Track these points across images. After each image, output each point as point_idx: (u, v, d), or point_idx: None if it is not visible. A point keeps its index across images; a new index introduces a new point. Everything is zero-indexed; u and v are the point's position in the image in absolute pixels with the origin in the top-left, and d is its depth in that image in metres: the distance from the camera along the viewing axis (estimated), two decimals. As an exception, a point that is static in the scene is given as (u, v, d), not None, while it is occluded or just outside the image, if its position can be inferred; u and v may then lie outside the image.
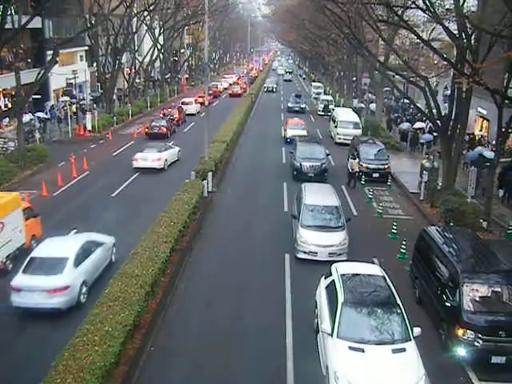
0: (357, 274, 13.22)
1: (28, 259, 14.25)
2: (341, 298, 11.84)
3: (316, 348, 12.40)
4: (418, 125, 36.96)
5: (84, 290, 14.38)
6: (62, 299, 13.54)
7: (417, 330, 11.40)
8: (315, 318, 13.21)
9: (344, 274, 12.97)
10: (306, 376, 11.63)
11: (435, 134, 33.61)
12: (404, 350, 10.89)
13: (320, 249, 17.17)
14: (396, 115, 45.24)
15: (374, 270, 13.67)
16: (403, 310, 11.64)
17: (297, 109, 51.56)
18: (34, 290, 13.38)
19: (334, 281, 12.82)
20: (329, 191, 20.16)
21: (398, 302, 11.89)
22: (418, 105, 30.78)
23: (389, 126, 42.19)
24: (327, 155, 27.71)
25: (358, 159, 27.05)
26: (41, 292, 13.38)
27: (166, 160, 28.41)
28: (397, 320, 11.50)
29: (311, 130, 42.10)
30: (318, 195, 19.39)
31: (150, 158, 27.77)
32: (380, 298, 12.22)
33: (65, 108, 39.90)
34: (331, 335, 11.23)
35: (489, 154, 25.22)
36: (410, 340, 11.15)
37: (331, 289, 12.69)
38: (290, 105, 52.78)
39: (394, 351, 10.84)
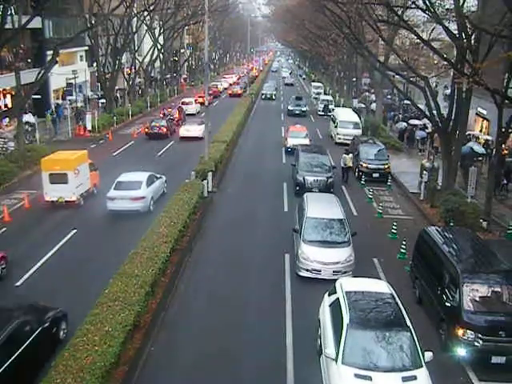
0: (363, 292, 12.24)
1: (116, 182, 21.46)
2: (346, 319, 10.94)
3: (319, 367, 11.60)
4: (414, 122, 38.15)
5: (152, 202, 21.72)
6: (141, 204, 21.06)
7: (428, 355, 10.56)
8: (318, 338, 12.30)
9: (349, 292, 12.03)
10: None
11: (428, 130, 35.69)
12: (415, 377, 10.06)
13: (323, 266, 15.86)
14: (392, 113, 45.56)
15: (381, 286, 12.74)
16: (414, 333, 10.76)
17: (297, 112, 49.62)
18: (123, 198, 20.68)
19: (338, 299, 11.92)
20: (333, 202, 18.75)
21: (408, 323, 10.99)
22: (422, 106, 30.81)
23: (384, 123, 42.73)
24: (333, 168, 25.40)
25: (351, 154, 27.97)
26: (127, 200, 20.72)
27: (203, 131, 34.98)
28: (407, 344, 10.57)
29: (311, 130, 42.11)
30: (321, 207, 18.05)
31: (193, 129, 37.31)
32: (389, 320, 11.30)
33: (74, 106, 41.11)
34: (335, 360, 10.39)
35: (479, 148, 26.59)
36: (422, 366, 10.31)
37: (335, 308, 11.78)
38: (290, 107, 50.66)
39: (404, 379, 9.99)
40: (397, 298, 11.94)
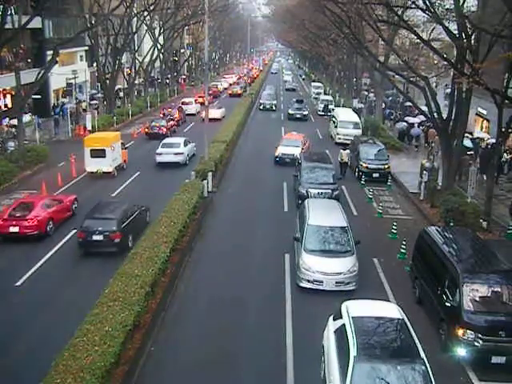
0: (371, 318, 11.19)
1: (161, 143, 29.81)
2: (353, 351, 9.94)
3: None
4: (412, 120, 39.24)
5: (187, 158, 29.41)
6: (181, 158, 29.07)
7: None
8: (322, 366, 11.46)
9: (356, 318, 10.97)
10: None
11: (422, 127, 37.01)
12: None
13: (326, 277, 15.10)
14: (389, 111, 45.66)
15: (391, 311, 11.57)
16: (427, 365, 9.85)
17: (298, 116, 47.01)
18: (168, 153, 28.86)
19: (344, 326, 10.90)
20: (336, 209, 18.02)
21: (422, 354, 10.07)
22: (424, 107, 30.94)
23: (381, 121, 42.92)
24: (339, 178, 24.62)
25: (347, 150, 28.70)
26: (171, 154, 28.85)
27: (223, 114, 46.02)
28: (420, 379, 9.59)
29: (311, 130, 42.17)
30: (323, 214, 17.39)
31: (214, 112, 43.11)
32: (400, 351, 10.36)
33: (79, 105, 42.04)
34: None
35: (468, 143, 27.91)
36: None
37: (341, 335, 10.79)
38: (290, 111, 47.84)
39: None
40: (409, 325, 10.97)
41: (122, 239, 17.15)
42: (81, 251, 17.44)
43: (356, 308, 11.51)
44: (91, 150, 26.16)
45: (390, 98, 53.72)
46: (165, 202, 19.59)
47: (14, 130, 33.16)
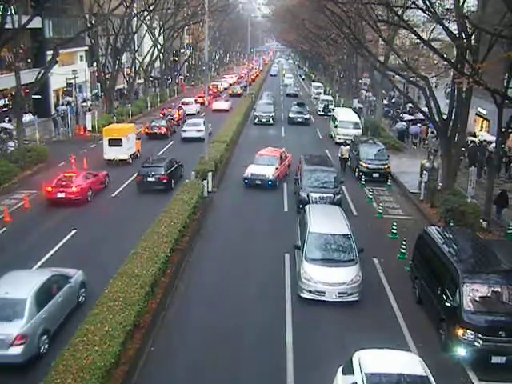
0: (390, 375, 9.37)
1: (186, 123, 37.65)
2: None
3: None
4: (407, 117, 41.21)
5: (207, 133, 28.32)
6: (201, 134, 33.03)
7: None
8: None
9: (371, 375, 9.23)
10: None
11: (419, 125, 38.21)
12: None
13: (328, 288, 14.50)
14: (386, 109, 45.82)
15: (413, 366, 9.75)
16: None
17: (299, 120, 44.49)
18: (191, 130, 36.03)
19: None
20: (338, 215, 17.32)
21: None
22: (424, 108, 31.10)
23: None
24: (341, 182, 23.56)
25: (348, 146, 30.05)
26: (194, 131, 35.82)
27: (230, 106, 52.14)
28: None
29: (311, 130, 42.20)
30: (325, 221, 16.73)
31: (222, 104, 51.74)
32: None
33: (85, 104, 43.49)
34: None
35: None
36: None
37: None
38: (290, 115, 45.23)
39: None
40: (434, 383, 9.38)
41: (168, 180, 24.20)
42: (139, 189, 24.41)
43: (370, 362, 9.70)
44: (109, 140, 28.92)
45: (394, 100, 53.64)
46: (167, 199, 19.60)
47: (2, 134, 33.17)
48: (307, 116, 45.59)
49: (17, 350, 11.05)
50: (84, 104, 45.89)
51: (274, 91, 67.17)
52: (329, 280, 14.56)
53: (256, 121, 44.69)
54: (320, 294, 14.57)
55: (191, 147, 33.59)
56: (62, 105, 43.08)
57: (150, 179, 24.06)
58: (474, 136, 33.91)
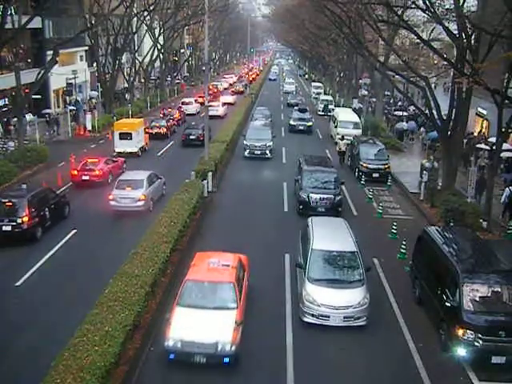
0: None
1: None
2: None
3: None
4: (398, 113, 42.85)
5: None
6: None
7: None
8: None
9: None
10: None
11: (416, 122, 39.61)
12: None
13: (333, 311, 13.40)
14: (383, 107, 46.23)
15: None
16: None
17: (301, 127, 41.09)
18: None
19: None
20: (343, 229, 16.04)
21: None
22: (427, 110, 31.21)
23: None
24: (342, 183, 23.20)
25: (345, 140, 31.02)
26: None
27: (235, 100, 58.25)
28: None
29: (311, 130, 42.13)
30: (329, 236, 15.53)
31: (228, 98, 56.72)
32: None
33: (92, 101, 44.65)
34: None
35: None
36: None
37: None
38: (292, 122, 41.62)
39: None
40: None
41: (203, 139, 29.98)
42: (183, 144, 34.25)
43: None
44: (120, 134, 30.77)
45: (400, 103, 53.45)
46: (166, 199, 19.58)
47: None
48: (310, 123, 41.77)
49: (141, 203, 21.13)
50: (93, 100, 46.97)
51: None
52: (334, 303, 13.45)
53: (247, 153, 31.90)
54: (324, 319, 13.50)
55: (190, 147, 33.62)
56: (70, 104, 43.00)
57: (191, 137, 34.33)
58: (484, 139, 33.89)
